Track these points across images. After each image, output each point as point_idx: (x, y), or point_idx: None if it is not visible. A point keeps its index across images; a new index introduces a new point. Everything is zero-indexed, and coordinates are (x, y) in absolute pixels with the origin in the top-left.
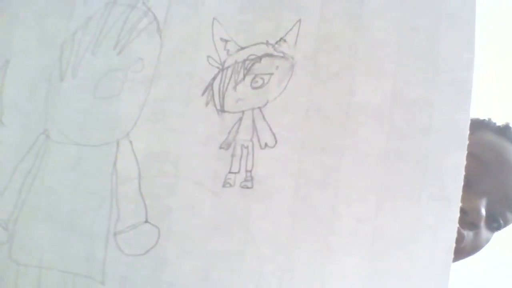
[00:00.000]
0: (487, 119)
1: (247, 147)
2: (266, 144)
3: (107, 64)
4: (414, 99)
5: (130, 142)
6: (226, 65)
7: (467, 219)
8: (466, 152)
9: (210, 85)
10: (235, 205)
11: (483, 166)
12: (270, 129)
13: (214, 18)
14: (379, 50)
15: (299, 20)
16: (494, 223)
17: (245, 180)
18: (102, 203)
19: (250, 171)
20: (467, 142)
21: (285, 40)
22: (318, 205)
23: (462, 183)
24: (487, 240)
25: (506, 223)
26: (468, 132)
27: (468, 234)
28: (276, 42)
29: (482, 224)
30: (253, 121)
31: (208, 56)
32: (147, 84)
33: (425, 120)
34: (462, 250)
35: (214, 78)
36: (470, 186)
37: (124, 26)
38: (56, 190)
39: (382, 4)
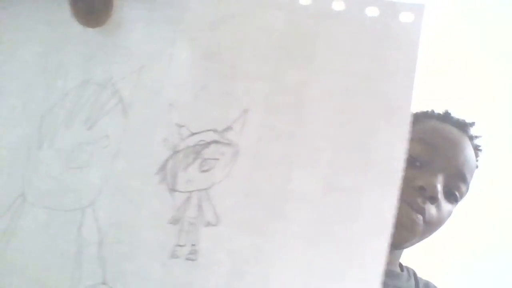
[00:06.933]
0: (430, 110)
1: (193, 224)
2: (209, 223)
3: (79, 138)
4: (345, 187)
5: (94, 210)
6: (179, 148)
7: (426, 194)
8: (389, 239)
9: (164, 166)
10: (180, 275)
11: (433, 148)
12: (214, 209)
13: (170, 104)
14: (317, 141)
15: (245, 110)
16: (451, 196)
17: (190, 253)
18: (66, 264)
19: (195, 246)
20: (391, 229)
21: (231, 128)
22: (251, 279)
23: (382, 268)
24: (449, 212)
25: (462, 195)
26: (392, 220)
27: (430, 208)
28: (224, 130)
29: (441, 197)
30: (200, 201)
31: (164, 139)
32: (111, 160)
33: (354, 207)
34: (429, 224)
35: (167, 160)
36: (426, 166)
37: (94, 104)
38: (28, 249)
39: (323, 96)
